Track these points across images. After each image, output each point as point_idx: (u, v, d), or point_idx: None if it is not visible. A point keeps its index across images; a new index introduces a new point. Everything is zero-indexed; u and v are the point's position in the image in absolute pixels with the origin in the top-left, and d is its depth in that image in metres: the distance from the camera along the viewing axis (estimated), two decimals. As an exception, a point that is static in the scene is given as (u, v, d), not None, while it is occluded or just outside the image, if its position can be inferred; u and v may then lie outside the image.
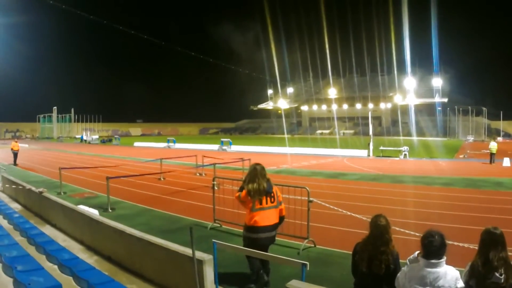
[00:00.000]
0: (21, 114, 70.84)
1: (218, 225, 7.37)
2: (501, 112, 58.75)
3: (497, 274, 2.64)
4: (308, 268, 3.09)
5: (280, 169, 17.98)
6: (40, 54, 73.21)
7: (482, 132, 57.71)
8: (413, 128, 60.89)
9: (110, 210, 8.90)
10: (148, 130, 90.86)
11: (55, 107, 71.83)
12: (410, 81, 71.62)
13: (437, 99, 69.30)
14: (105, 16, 54.31)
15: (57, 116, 72.76)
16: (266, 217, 4.50)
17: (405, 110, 72.39)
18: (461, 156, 26.28)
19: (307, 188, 6.16)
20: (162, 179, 14.03)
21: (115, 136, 57.47)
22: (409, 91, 71.56)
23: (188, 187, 12.24)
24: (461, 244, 5.49)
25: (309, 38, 76.22)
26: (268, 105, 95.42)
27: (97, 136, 55.57)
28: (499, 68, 74.76)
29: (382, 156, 25.47)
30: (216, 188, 7.58)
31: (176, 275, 4.07)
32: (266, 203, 4.54)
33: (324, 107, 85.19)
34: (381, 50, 68.14)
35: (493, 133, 52.99)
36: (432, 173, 16.35)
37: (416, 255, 3.00)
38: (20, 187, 8.95)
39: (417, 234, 5.88)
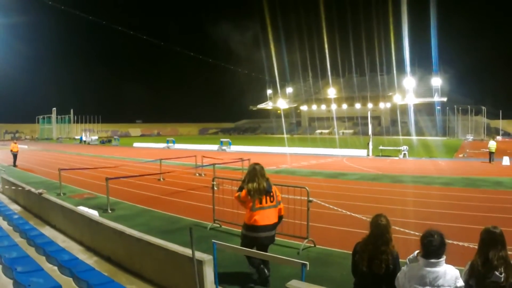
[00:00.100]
0: (21, 115, 71.12)
1: (218, 225, 7.37)
2: (500, 111, 59.13)
3: (497, 273, 2.64)
4: (308, 268, 3.10)
5: (279, 169, 17.99)
6: (40, 54, 73.35)
7: (481, 131, 57.76)
8: (413, 128, 60.93)
9: (110, 211, 8.90)
10: (148, 130, 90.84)
11: (55, 108, 72.06)
12: (409, 81, 71.68)
13: (437, 98, 69.34)
14: (105, 16, 54.13)
15: (57, 117, 72.88)
16: (266, 216, 4.51)
17: (404, 109, 72.47)
18: (461, 155, 26.29)
19: (307, 188, 6.15)
20: (161, 179, 14.03)
21: (115, 136, 57.48)
22: (409, 90, 71.63)
23: (187, 188, 12.23)
24: (460, 243, 5.50)
25: (309, 38, 76.23)
26: (268, 105, 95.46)
27: (96, 137, 55.38)
28: (498, 68, 74.96)
29: (382, 156, 25.49)
30: (215, 188, 7.58)
31: (176, 276, 4.07)
32: (266, 202, 4.55)
33: (323, 107, 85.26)
34: (380, 50, 68.38)
35: (492, 132, 52.94)
36: (432, 172, 16.35)
37: (415, 255, 3.01)
38: (19, 188, 8.93)
39: (416, 233, 5.90)
